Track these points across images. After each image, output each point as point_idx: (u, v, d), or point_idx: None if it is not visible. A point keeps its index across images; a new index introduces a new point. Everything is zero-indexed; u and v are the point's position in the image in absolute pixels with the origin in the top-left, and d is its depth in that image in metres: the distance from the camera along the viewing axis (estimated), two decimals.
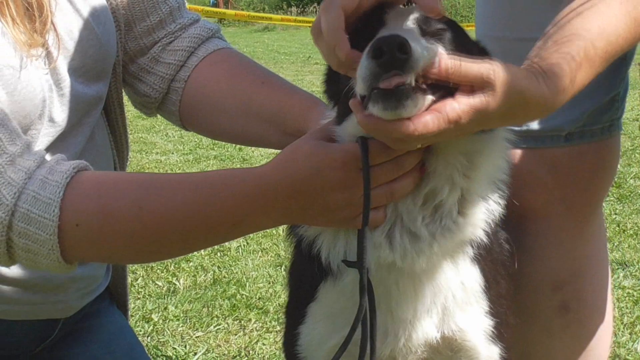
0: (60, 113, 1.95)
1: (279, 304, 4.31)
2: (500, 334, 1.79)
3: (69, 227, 1.66)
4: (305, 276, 1.79)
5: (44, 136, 1.91)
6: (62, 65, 1.96)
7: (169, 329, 4.05)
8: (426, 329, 1.73)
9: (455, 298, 1.74)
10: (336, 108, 1.73)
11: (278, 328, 4.05)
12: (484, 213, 1.71)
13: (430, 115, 1.43)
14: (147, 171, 7.22)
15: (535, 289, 2.13)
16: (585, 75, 1.57)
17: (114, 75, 2.21)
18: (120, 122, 2.29)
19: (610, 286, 2.28)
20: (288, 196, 1.64)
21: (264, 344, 3.88)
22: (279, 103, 2.07)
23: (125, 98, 2.30)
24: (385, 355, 1.74)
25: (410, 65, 1.42)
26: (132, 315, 4.20)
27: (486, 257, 1.76)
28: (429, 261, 1.68)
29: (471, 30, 2.04)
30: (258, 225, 1.71)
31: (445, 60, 1.44)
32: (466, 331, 1.76)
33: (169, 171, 7.23)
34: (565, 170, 2.12)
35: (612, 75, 1.88)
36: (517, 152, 2.08)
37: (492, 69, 1.44)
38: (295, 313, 1.83)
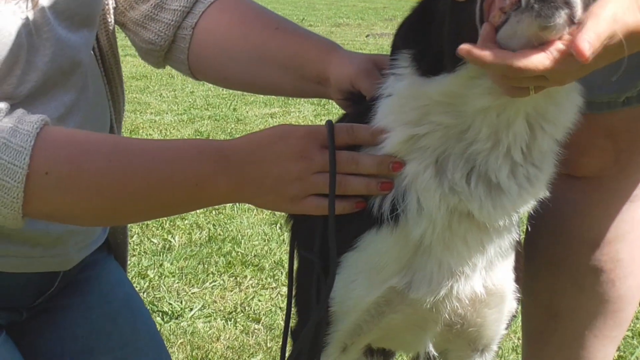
0: (42, 58, 1.90)
1: (274, 261, 4.33)
2: (517, 289, 1.79)
3: (38, 176, 1.65)
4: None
5: (26, 82, 1.87)
6: (44, 9, 1.91)
7: (164, 285, 4.07)
8: (475, 283, 1.70)
9: (501, 251, 1.71)
10: (427, 60, 1.58)
11: (274, 285, 4.07)
12: (553, 168, 1.65)
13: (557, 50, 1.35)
14: (141, 131, 7.20)
15: (573, 245, 2.12)
16: None
17: (104, 24, 2.17)
18: (116, 72, 2.26)
19: None
20: (247, 161, 1.66)
21: (259, 300, 3.90)
22: (295, 47, 2.04)
23: (120, 51, 2.27)
24: (426, 304, 1.70)
25: None
26: (128, 272, 4.20)
27: None
28: (509, 218, 1.64)
29: None
30: (218, 191, 1.70)
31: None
32: (504, 285, 1.75)
33: (163, 131, 7.22)
34: (622, 133, 2.10)
35: None
36: None
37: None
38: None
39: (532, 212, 1.72)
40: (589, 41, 1.33)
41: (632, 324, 3.61)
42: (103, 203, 1.72)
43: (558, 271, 2.14)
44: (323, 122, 1.74)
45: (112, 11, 2.19)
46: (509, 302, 1.77)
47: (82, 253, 2.17)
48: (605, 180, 2.10)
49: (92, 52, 2.13)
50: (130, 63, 10.46)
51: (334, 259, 1.66)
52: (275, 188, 1.67)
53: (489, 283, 1.71)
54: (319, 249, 1.74)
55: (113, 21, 2.21)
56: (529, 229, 2.16)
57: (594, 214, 2.11)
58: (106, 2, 2.16)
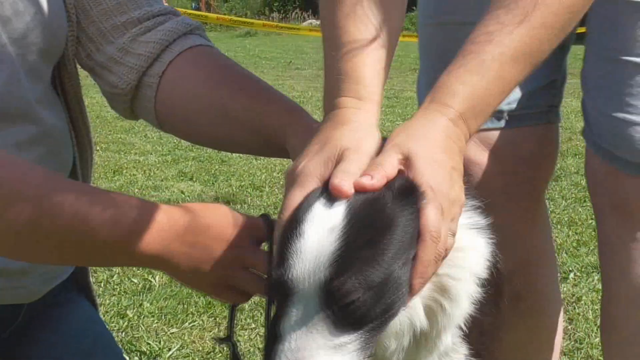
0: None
1: (254, 302, 4.31)
2: None
3: None
4: None
5: None
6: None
7: (143, 325, 4.04)
8: None
9: None
10: None
11: (253, 325, 4.05)
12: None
13: None
14: (125, 171, 7.20)
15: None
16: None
17: (64, 63, 2.16)
18: (80, 117, 2.25)
19: (558, 280, 2.31)
20: (183, 232, 1.63)
21: (238, 341, 3.87)
22: (257, 111, 2.01)
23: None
24: None
25: None
26: (107, 312, 4.19)
27: None
28: None
29: None
30: (148, 248, 1.64)
31: None
32: None
33: (147, 171, 7.21)
34: (504, 156, 2.12)
35: (547, 63, 1.91)
36: None
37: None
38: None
39: None
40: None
41: None
42: (25, 233, 1.62)
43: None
44: None
45: (70, 50, 2.16)
46: None
47: (47, 285, 2.15)
48: (497, 210, 2.08)
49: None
50: None
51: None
52: (199, 269, 1.65)
53: None
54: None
55: (74, 66, 2.19)
56: None
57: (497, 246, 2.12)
58: (66, 49, 2.14)
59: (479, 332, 1.78)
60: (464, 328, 1.70)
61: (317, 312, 1.43)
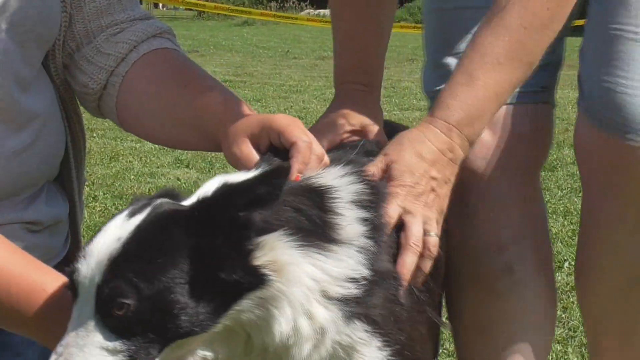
0: None
1: None
2: (403, 355, 1.78)
3: None
4: None
5: None
6: None
7: None
8: None
9: (336, 358, 1.72)
10: None
11: None
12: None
13: None
14: (121, 158, 7.18)
15: (479, 253, 2.16)
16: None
17: (54, 53, 2.18)
18: (68, 99, 2.27)
19: (552, 257, 2.32)
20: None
21: None
22: (196, 106, 2.05)
23: None
24: None
25: None
26: None
27: (364, 303, 1.69)
28: None
29: None
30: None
31: None
32: None
33: (143, 158, 7.20)
34: (501, 130, 2.15)
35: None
36: None
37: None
38: None
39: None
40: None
41: None
42: None
43: (475, 282, 2.18)
44: None
45: (62, 44, 2.18)
46: None
47: None
48: (492, 183, 2.15)
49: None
50: None
51: None
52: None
53: None
54: None
55: (61, 57, 2.21)
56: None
57: (491, 219, 2.15)
58: (58, 38, 2.16)
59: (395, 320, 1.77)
60: (378, 320, 1.71)
61: (92, 314, 1.51)
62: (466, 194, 2.10)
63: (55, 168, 2.21)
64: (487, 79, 1.82)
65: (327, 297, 1.63)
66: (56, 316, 1.65)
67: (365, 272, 1.67)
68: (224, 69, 13.81)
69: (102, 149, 7.46)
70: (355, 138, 2.05)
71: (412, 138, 1.82)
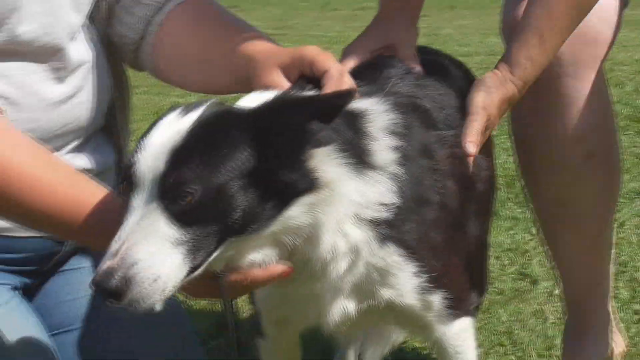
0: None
1: None
2: (439, 282, 1.84)
3: None
4: None
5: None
6: None
7: None
8: (347, 306, 1.81)
9: (370, 280, 1.78)
10: None
11: None
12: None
13: None
14: None
15: (561, 142, 2.38)
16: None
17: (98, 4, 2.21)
18: (112, 50, 2.30)
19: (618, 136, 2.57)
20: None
21: None
22: (229, 46, 2.07)
23: None
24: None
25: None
26: None
27: (396, 227, 1.76)
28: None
29: None
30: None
31: None
32: (392, 299, 1.82)
33: None
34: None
35: None
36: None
37: None
38: None
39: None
40: (472, 141, 1.97)
41: None
42: None
43: (558, 168, 2.41)
44: None
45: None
46: (414, 302, 1.85)
47: None
48: (565, 79, 2.34)
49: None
50: None
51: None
52: None
53: (370, 304, 1.83)
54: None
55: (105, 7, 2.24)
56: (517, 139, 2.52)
57: (570, 111, 2.35)
58: None
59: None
60: (412, 245, 1.78)
61: (153, 203, 1.51)
62: (549, 93, 2.32)
63: (101, 116, 2.25)
64: (554, 41, 2.13)
65: (361, 218, 1.70)
66: (109, 216, 1.65)
67: (397, 199, 1.72)
68: (265, 23, 13.71)
69: (146, 105, 7.50)
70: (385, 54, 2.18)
71: (502, 97, 2.09)
